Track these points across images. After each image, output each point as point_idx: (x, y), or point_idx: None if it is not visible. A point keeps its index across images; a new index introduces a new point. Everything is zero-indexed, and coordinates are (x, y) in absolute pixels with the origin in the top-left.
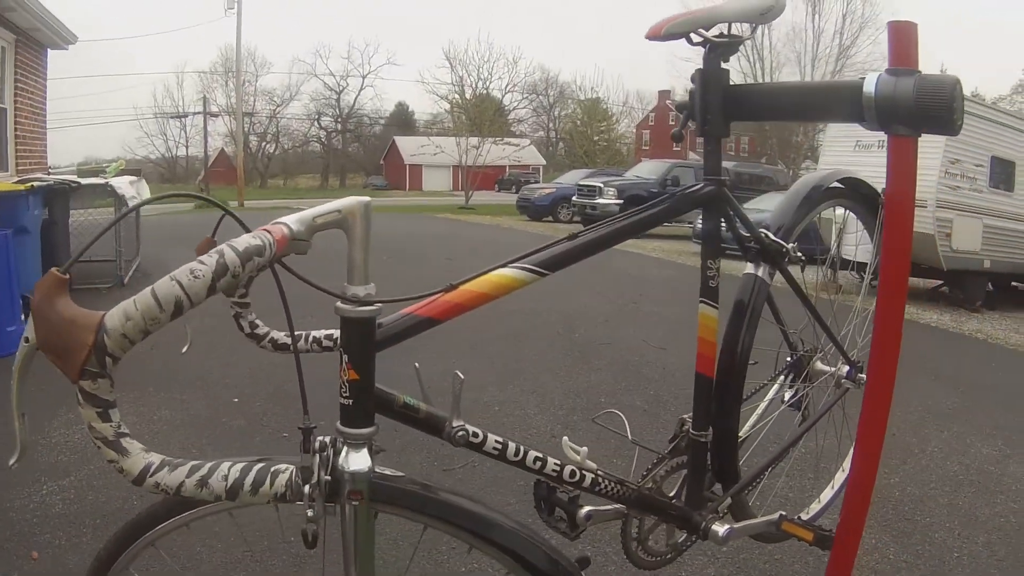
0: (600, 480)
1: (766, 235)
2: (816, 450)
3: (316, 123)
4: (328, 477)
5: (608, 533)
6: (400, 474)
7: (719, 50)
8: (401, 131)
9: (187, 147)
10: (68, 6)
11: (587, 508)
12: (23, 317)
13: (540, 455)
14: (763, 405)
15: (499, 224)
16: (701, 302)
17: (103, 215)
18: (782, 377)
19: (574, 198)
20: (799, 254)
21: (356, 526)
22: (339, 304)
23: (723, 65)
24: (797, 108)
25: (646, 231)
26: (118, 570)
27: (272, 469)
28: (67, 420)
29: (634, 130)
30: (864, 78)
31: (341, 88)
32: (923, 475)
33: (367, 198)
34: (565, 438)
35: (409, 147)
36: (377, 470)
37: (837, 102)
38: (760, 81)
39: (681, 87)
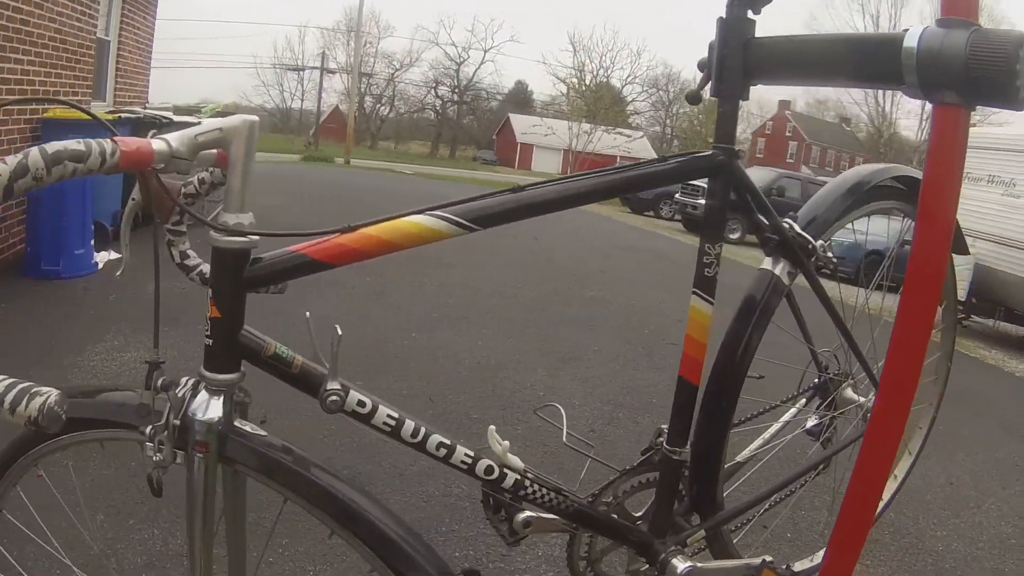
0: (527, 484)
1: (790, 226)
2: (833, 493)
3: (433, 91)
4: (177, 422)
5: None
6: (261, 433)
7: None
8: (517, 109)
9: (302, 100)
10: None
11: (527, 513)
12: (92, 241)
13: (446, 441)
14: (776, 427)
15: (599, 212)
16: (693, 293)
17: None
18: (804, 400)
19: (677, 195)
20: (830, 254)
21: (205, 481)
22: (211, 233)
23: (751, 16)
24: (825, 66)
25: (624, 194)
26: (3, 487)
27: (32, 391)
28: (110, 347)
29: (750, 136)
30: (907, 31)
31: (462, 60)
32: (973, 532)
33: (255, 117)
34: (492, 427)
35: (522, 125)
36: (238, 424)
37: (873, 59)
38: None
39: (803, 98)
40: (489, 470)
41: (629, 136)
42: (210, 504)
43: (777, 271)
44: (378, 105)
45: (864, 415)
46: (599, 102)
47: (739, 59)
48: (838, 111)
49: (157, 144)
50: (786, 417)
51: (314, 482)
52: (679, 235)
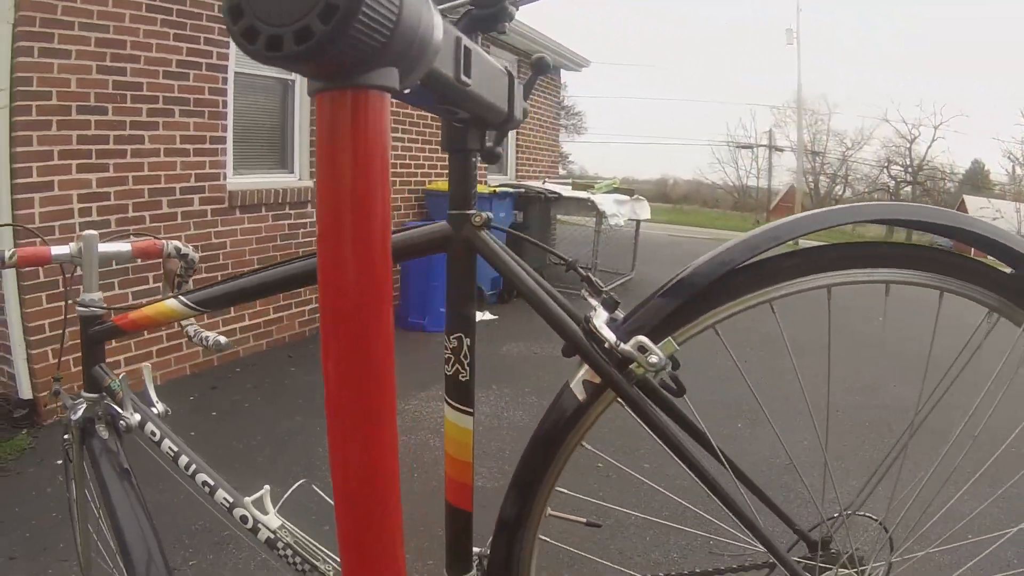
0: (281, 545)
1: (593, 323)
2: None
3: (885, 170)
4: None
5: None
6: (111, 448)
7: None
8: (974, 191)
9: (757, 179)
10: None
11: None
12: None
13: (211, 481)
14: None
15: None
16: (445, 402)
17: (583, 227)
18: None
19: None
20: (668, 372)
21: (68, 459)
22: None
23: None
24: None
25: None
26: None
27: None
28: (431, 395)
29: None
30: None
31: (912, 137)
32: None
33: (93, 232)
34: (266, 486)
35: (974, 208)
36: (98, 429)
37: None
38: None
39: None
40: (244, 519)
41: None
42: (78, 475)
43: (572, 382)
44: (833, 185)
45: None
46: None
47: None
48: None
49: (58, 250)
50: None
51: (109, 498)
52: None
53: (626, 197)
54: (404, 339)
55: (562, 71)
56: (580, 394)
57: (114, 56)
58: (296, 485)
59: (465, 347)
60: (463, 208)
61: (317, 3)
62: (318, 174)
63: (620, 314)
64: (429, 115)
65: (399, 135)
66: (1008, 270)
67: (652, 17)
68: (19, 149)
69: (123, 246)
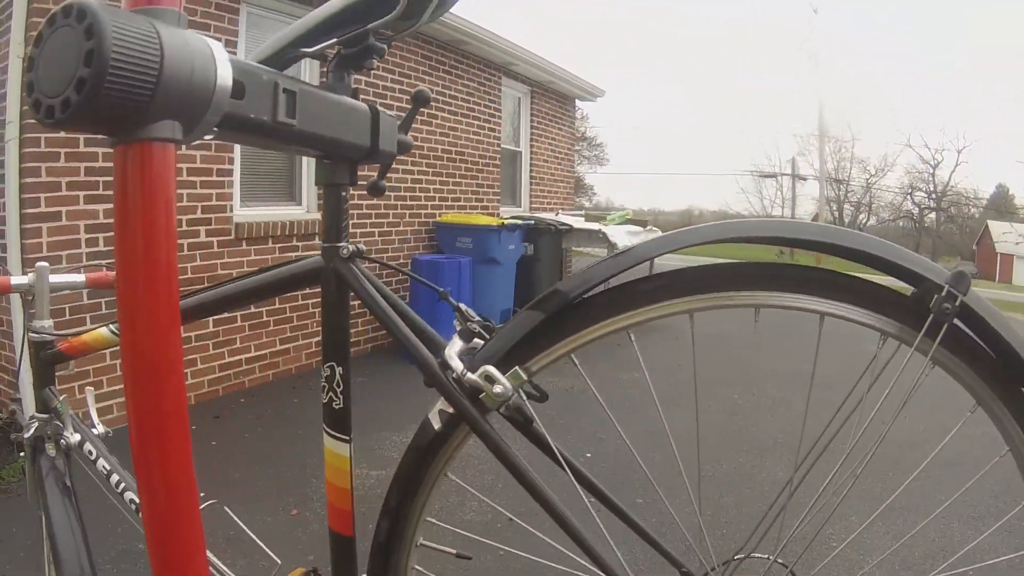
0: None
1: (445, 353)
2: None
3: (909, 197)
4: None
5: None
6: (58, 467)
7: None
8: (998, 216)
9: (782, 208)
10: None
11: None
12: None
13: (137, 499)
14: None
15: None
16: (324, 431)
17: (598, 258)
18: None
19: None
20: (523, 408)
21: (27, 473)
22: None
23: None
24: None
25: (239, 307)
26: None
27: None
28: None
29: None
30: None
31: (936, 162)
32: None
33: (44, 264)
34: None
35: (1000, 234)
36: (47, 448)
37: None
38: None
39: None
40: None
41: None
42: (33, 487)
43: (431, 412)
44: (857, 212)
45: None
46: None
47: None
48: None
49: (16, 280)
50: None
51: (48, 512)
52: None
53: (639, 228)
54: (404, 373)
55: (577, 101)
56: (436, 423)
57: None
58: (206, 504)
59: (338, 376)
60: (334, 241)
61: (72, 78)
62: (114, 220)
63: (479, 344)
64: (439, 147)
65: (408, 167)
66: (909, 291)
67: (651, 17)
68: (28, 180)
69: (76, 277)
